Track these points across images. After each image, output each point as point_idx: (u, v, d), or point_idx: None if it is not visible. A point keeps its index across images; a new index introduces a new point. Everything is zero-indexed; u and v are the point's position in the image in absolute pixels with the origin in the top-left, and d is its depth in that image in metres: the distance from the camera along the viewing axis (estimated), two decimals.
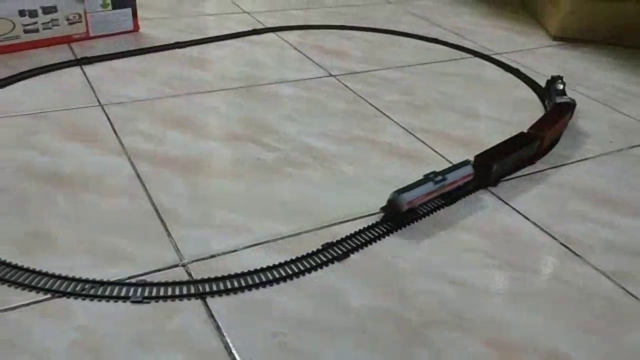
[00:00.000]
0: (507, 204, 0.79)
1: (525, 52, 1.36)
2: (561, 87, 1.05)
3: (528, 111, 1.06)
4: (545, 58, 1.33)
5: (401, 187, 0.73)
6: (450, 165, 0.83)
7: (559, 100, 1.01)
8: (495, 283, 0.65)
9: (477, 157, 0.84)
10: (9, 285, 0.59)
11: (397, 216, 0.73)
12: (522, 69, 1.25)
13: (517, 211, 0.77)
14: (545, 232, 0.74)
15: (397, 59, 1.26)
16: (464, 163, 0.79)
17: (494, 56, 1.32)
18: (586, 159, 0.92)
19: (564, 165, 0.89)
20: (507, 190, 0.82)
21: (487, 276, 0.65)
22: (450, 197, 0.79)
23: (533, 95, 1.14)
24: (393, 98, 1.07)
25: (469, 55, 1.32)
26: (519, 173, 0.86)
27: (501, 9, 1.71)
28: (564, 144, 0.96)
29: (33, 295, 0.58)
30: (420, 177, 0.75)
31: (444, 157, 0.89)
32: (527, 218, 0.76)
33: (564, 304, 0.63)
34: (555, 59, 1.34)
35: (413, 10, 1.61)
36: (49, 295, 0.58)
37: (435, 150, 0.90)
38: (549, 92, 1.07)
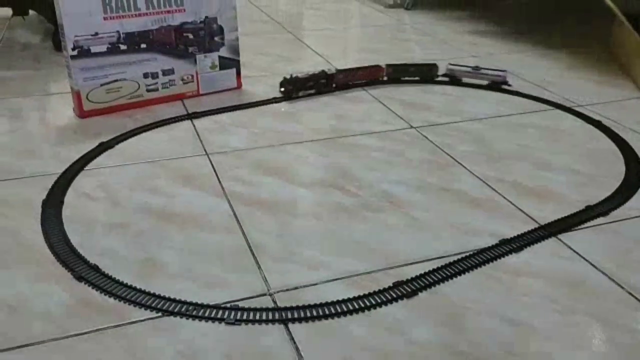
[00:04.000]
0: (574, 251, 0.82)
1: (609, 104, 1.38)
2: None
3: (606, 163, 1.08)
4: (629, 110, 1.34)
5: None
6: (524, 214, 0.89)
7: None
8: (553, 326, 0.68)
9: None
10: (129, 304, 0.71)
11: None
12: (605, 121, 1.27)
13: (584, 259, 0.80)
14: (612, 279, 0.76)
15: (476, 111, 1.32)
16: None
17: (575, 108, 1.35)
18: None
19: (638, 217, 0.91)
20: (577, 238, 0.85)
21: (546, 319, 0.69)
22: (517, 244, 0.83)
23: (614, 148, 1.15)
24: (469, 149, 1.13)
25: (549, 107, 1.36)
26: (590, 223, 0.89)
27: (587, 60, 1.72)
28: None
29: (147, 313, 0.70)
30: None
31: (516, 206, 0.94)
32: (594, 266, 0.79)
33: (622, 350, 0.65)
34: None
35: (497, 63, 1.67)
36: (160, 314, 0.70)
37: (507, 199, 0.95)
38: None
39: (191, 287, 0.74)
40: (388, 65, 1.42)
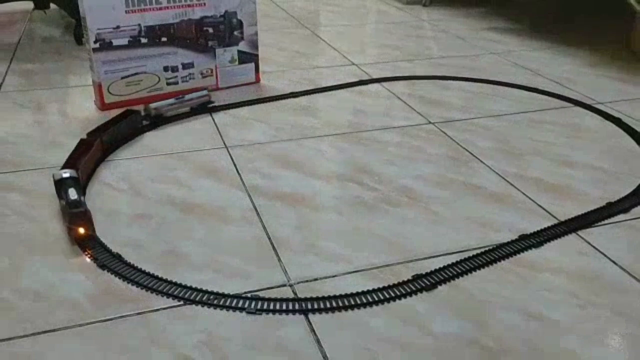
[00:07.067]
0: (595, 247, 0.82)
1: (630, 101, 1.36)
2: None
3: (626, 160, 1.08)
4: None
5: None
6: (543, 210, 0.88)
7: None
8: (574, 320, 0.68)
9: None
10: (152, 292, 0.73)
11: None
12: (625, 119, 1.26)
13: (604, 255, 0.80)
14: (632, 275, 0.76)
15: (495, 108, 1.31)
16: None
17: (595, 105, 1.34)
18: None
19: None
20: (597, 234, 0.85)
21: (567, 314, 0.69)
22: (537, 240, 0.83)
23: (633, 145, 1.14)
24: (488, 145, 1.13)
25: (569, 104, 1.35)
26: (610, 220, 0.89)
27: (607, 57, 1.71)
28: None
29: (170, 302, 0.71)
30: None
31: (534, 201, 0.93)
32: (614, 262, 0.79)
33: None
34: None
35: (515, 60, 1.66)
36: (182, 302, 0.71)
37: (526, 195, 0.95)
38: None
39: (212, 277, 0.75)
40: (89, 134, 1.07)
